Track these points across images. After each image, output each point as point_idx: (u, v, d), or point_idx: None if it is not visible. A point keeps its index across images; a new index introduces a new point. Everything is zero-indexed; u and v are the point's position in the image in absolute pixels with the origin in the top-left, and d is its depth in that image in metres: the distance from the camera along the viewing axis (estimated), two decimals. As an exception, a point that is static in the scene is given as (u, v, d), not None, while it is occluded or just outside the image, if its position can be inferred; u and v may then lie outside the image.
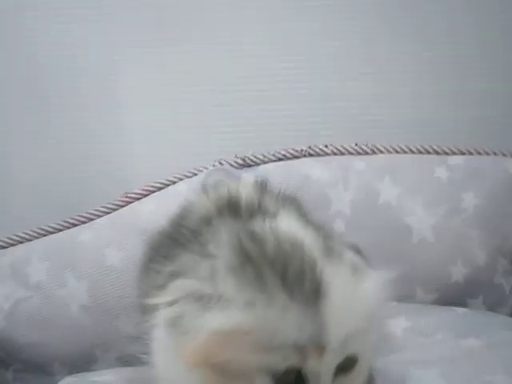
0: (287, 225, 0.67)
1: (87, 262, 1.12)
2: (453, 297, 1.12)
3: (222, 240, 0.65)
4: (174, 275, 0.67)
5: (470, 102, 1.35)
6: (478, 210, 1.13)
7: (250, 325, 0.59)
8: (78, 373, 1.08)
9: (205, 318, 0.61)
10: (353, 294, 0.63)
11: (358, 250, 0.70)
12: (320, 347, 0.60)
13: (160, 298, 0.66)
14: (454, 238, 1.12)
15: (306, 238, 0.65)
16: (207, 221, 0.73)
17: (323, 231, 0.70)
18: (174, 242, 0.75)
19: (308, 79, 1.36)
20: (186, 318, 0.62)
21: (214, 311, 0.61)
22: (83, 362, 1.12)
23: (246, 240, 0.64)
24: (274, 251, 0.62)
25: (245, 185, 0.82)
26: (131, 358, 1.08)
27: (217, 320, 0.60)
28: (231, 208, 0.74)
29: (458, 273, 1.12)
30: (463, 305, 1.12)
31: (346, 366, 0.64)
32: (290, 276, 0.60)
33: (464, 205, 1.13)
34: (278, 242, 0.63)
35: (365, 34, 1.34)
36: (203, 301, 0.61)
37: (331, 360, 0.61)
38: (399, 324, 1.05)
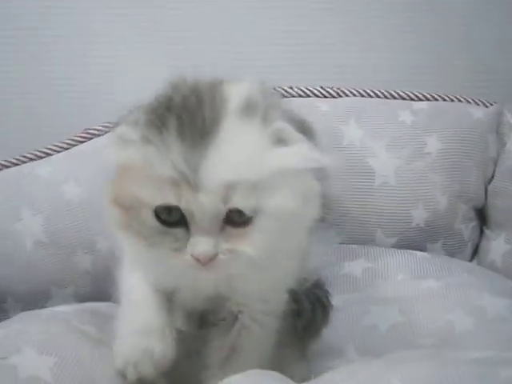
0: (227, 85, 0.69)
1: (44, 197, 1.10)
2: (413, 241, 1.13)
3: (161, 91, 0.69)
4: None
5: (437, 50, 1.34)
6: (441, 155, 1.13)
7: (138, 159, 0.65)
8: (32, 309, 1.05)
9: (116, 156, 0.68)
10: (249, 151, 0.64)
11: (302, 127, 0.70)
12: (192, 186, 0.63)
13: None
14: (416, 182, 1.12)
15: (232, 95, 0.67)
16: None
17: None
18: None
19: (273, 20, 1.33)
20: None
21: (122, 149, 0.67)
22: (38, 299, 1.10)
23: (175, 89, 0.68)
24: (192, 100, 0.66)
25: None
26: (88, 293, 1.10)
27: (119, 155, 0.67)
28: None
29: (419, 217, 1.12)
30: (423, 249, 1.13)
31: (237, 220, 0.65)
32: (188, 120, 0.64)
33: (427, 149, 1.13)
34: (199, 91, 0.67)
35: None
36: (123, 142, 0.67)
37: (206, 202, 0.63)
38: (358, 265, 1.06)
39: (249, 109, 0.66)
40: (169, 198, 0.64)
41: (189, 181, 0.63)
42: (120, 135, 0.67)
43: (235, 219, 0.65)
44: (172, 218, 0.65)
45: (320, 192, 0.74)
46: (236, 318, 0.79)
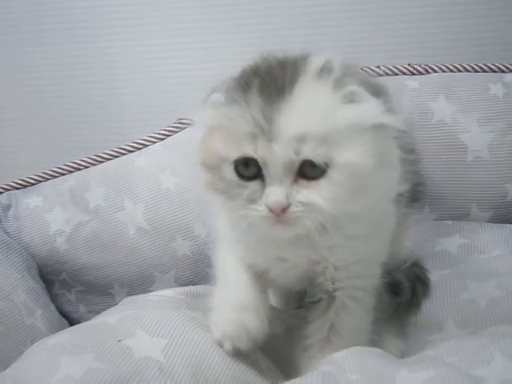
0: (311, 56, 0.73)
1: (143, 187, 1.15)
2: (508, 214, 1.11)
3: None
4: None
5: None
6: (536, 126, 1.10)
7: (223, 118, 0.71)
8: (137, 294, 1.10)
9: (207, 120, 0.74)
10: (319, 107, 0.69)
11: (377, 90, 0.72)
12: (267, 138, 0.67)
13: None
14: (510, 155, 1.10)
15: (311, 62, 0.71)
16: None
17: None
18: None
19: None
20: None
21: (212, 112, 0.73)
22: (142, 283, 1.16)
23: (259, 60, 0.74)
24: (276, 64, 0.73)
25: None
26: (188, 277, 1.14)
27: (209, 118, 0.73)
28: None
29: (515, 190, 1.10)
30: (519, 223, 1.11)
31: (309, 173, 0.69)
32: (269, 81, 0.70)
33: (521, 121, 1.11)
34: (284, 58, 0.74)
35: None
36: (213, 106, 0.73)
37: (279, 151, 0.67)
38: (454, 241, 1.05)
39: (323, 73, 0.70)
40: (246, 150, 0.69)
41: (264, 132, 0.67)
42: (212, 101, 0.73)
43: (308, 172, 0.69)
44: (249, 172, 0.70)
45: (411, 168, 0.78)
46: (333, 298, 0.80)
